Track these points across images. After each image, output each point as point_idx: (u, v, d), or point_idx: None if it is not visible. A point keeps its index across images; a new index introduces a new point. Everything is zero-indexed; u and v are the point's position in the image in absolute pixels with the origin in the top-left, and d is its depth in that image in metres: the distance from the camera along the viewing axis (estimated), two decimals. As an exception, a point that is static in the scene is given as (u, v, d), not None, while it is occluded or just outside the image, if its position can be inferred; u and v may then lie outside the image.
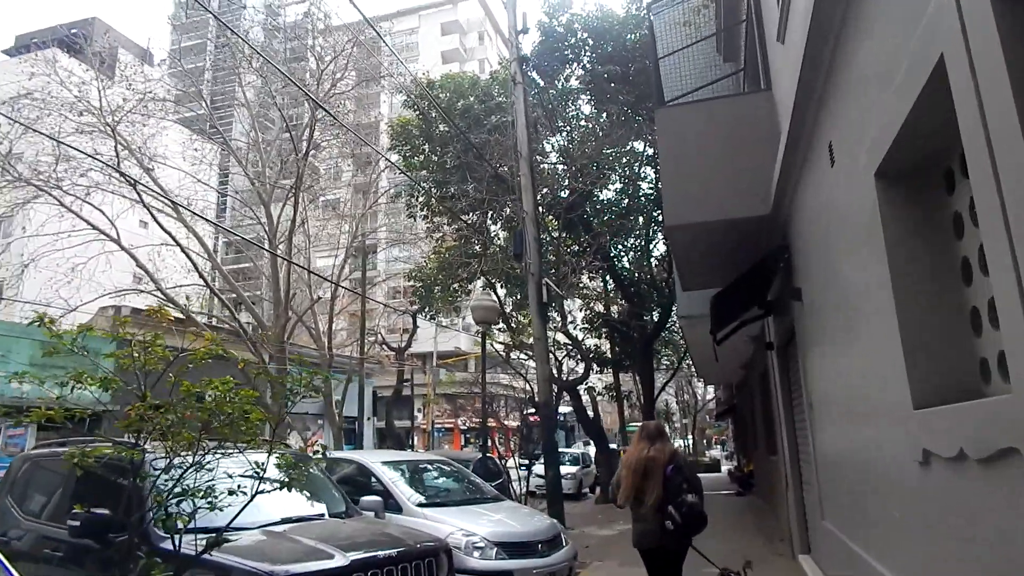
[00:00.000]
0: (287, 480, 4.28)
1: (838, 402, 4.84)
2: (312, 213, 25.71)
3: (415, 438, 34.38)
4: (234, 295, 21.39)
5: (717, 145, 6.43)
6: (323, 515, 5.25)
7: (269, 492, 4.15)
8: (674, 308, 23.33)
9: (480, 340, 9.85)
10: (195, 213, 18.12)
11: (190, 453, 4.01)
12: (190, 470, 3.97)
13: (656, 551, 5.35)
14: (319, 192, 22.92)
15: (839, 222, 3.96)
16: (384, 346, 25.54)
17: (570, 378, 17.33)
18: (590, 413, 19.09)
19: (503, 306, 16.79)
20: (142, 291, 19.87)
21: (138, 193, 17.64)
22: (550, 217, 19.31)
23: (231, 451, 4.20)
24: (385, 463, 7.39)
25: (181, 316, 20.35)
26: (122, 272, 20.25)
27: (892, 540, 3.56)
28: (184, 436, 4.11)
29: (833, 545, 5.61)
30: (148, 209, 17.94)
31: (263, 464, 4.12)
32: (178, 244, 18.31)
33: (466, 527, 6.36)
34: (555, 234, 19.47)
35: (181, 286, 20.79)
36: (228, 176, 21.08)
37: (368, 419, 29.77)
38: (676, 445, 11.18)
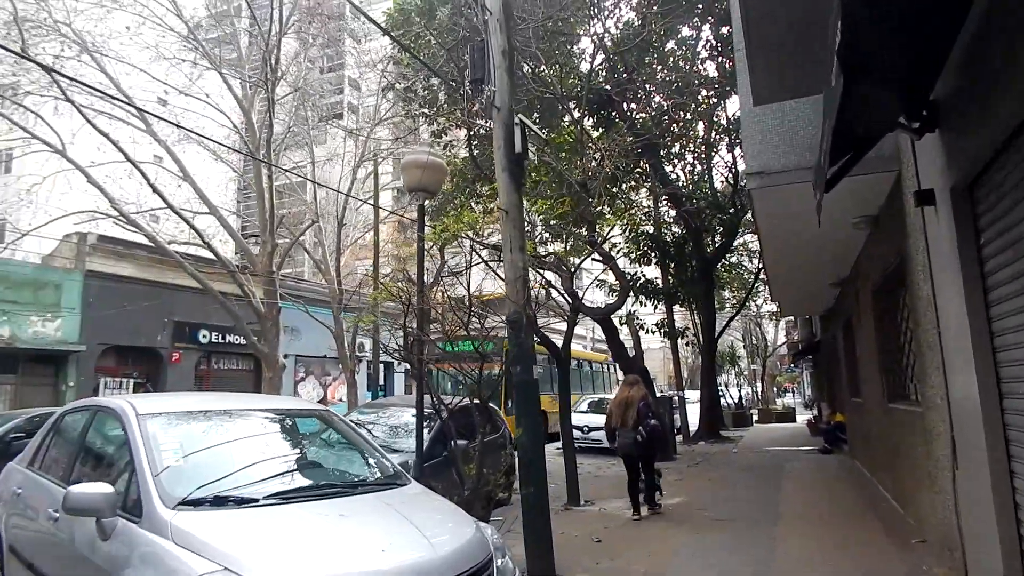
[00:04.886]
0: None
1: None
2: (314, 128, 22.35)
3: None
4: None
5: None
6: None
7: None
8: (742, 227, 19.39)
9: (417, 217, 6.06)
10: (144, 111, 14.76)
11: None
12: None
13: (631, 456, 8.23)
14: (301, 82, 19.30)
15: None
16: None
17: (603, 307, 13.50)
18: (631, 351, 15.16)
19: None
20: (101, 215, 16.92)
21: (63, 90, 14.53)
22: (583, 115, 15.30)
23: None
24: (159, 413, 3.86)
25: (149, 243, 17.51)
26: (85, 194, 17.32)
27: None
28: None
29: None
30: (79, 109, 14.75)
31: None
32: (120, 150, 15.11)
33: (242, 561, 2.78)
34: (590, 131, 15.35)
35: (153, 209, 17.79)
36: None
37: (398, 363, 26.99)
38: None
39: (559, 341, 10.12)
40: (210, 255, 17.20)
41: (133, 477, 3.36)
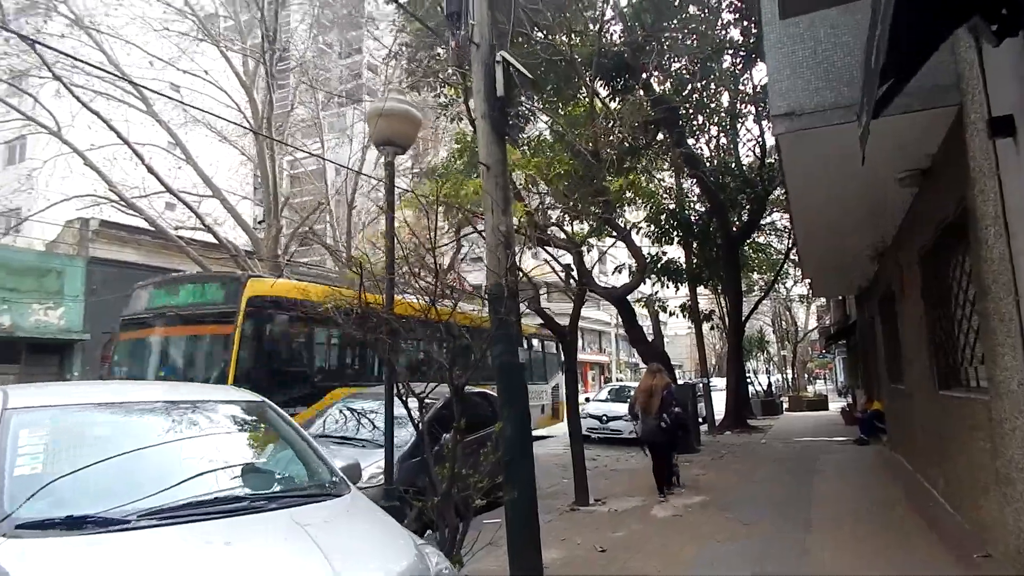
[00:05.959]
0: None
1: None
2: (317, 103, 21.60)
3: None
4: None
5: None
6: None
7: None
8: (771, 199, 18.17)
9: (386, 176, 5.19)
10: (140, 85, 14.11)
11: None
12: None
13: (654, 443, 8.57)
14: (304, 60, 18.53)
15: None
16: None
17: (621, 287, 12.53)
18: (649, 335, 14.17)
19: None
20: (103, 199, 16.40)
21: (49, 66, 13.91)
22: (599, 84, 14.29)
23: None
24: (33, 407, 3.09)
25: (150, 228, 16.96)
26: (84, 178, 16.80)
27: None
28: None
29: None
30: (65, 84, 14.13)
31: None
32: (114, 130, 14.49)
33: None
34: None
35: (155, 193, 17.19)
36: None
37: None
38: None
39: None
40: (219, 241, 16.61)
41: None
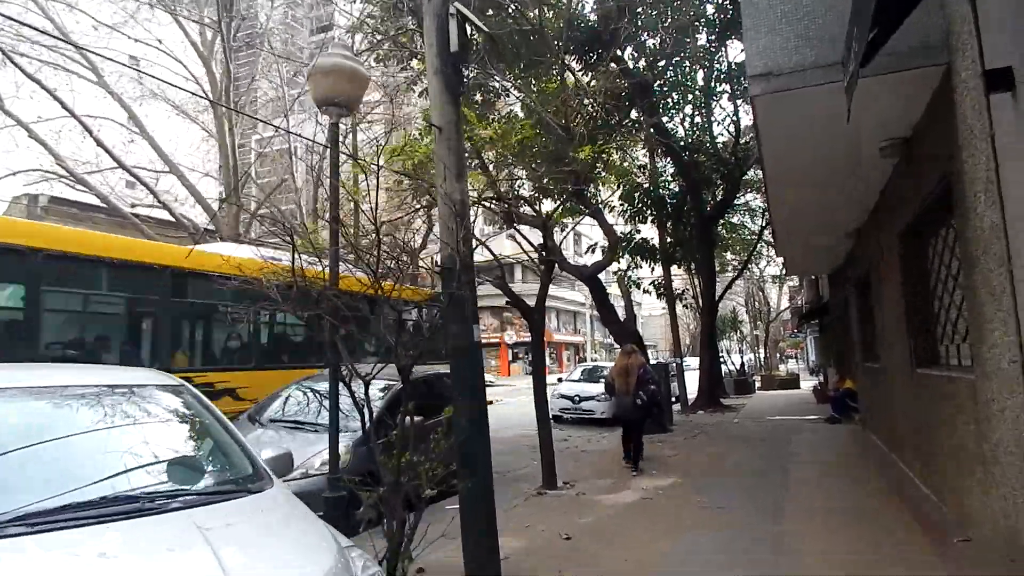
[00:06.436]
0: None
1: None
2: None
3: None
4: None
5: None
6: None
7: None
8: (745, 181, 17.88)
9: (329, 137, 4.73)
10: (85, 48, 13.34)
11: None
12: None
13: (629, 420, 8.95)
14: (265, 31, 17.77)
15: None
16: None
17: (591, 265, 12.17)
18: (621, 313, 13.87)
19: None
20: (50, 174, 15.60)
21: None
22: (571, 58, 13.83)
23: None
24: None
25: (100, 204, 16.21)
26: (30, 152, 15.96)
27: None
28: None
29: None
30: (7, 55, 13.28)
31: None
32: (58, 99, 13.69)
33: None
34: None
35: (100, 170, 16.39)
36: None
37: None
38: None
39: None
40: (175, 218, 15.93)
41: None
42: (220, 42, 15.53)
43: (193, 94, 14.43)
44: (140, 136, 16.27)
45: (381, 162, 7.77)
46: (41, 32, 12.09)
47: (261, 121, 16.91)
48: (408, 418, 4.34)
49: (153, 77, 12.20)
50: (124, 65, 12.17)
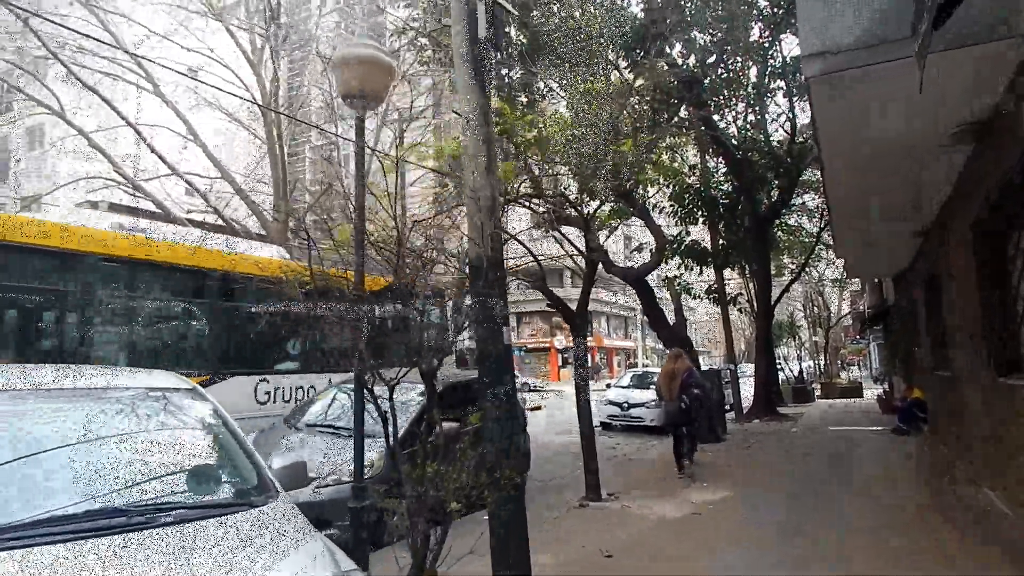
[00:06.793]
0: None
1: None
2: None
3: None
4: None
5: None
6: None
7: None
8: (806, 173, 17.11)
9: (356, 134, 4.54)
10: (140, 56, 13.69)
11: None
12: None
13: (676, 426, 8.87)
14: (312, 38, 17.97)
15: None
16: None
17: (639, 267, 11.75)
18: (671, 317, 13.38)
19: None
20: (111, 181, 16.10)
21: (44, 43, 13.52)
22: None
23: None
24: None
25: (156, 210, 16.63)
26: (90, 162, 16.53)
27: None
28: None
29: None
30: (57, 58, 13.73)
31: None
32: (113, 107, 14.10)
33: None
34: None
35: (157, 176, 16.83)
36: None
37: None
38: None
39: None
40: (225, 223, 16.22)
41: None
42: (268, 50, 15.76)
43: (242, 98, 14.65)
44: (192, 142, 16.65)
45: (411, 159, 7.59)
46: (106, 44, 12.47)
47: (302, 123, 17.07)
48: (434, 426, 4.11)
49: (208, 84, 12.41)
50: (181, 74, 12.41)
